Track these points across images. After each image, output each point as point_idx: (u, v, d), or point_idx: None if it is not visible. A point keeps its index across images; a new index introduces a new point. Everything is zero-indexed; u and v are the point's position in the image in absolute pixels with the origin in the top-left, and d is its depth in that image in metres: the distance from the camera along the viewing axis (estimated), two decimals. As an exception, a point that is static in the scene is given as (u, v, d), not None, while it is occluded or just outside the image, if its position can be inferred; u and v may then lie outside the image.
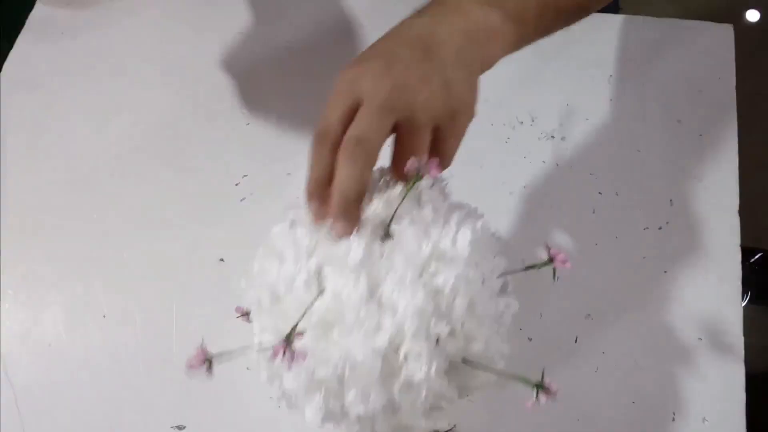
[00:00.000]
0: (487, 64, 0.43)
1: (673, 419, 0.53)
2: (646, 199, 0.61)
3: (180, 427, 0.54)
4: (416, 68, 0.40)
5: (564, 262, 0.40)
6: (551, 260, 0.40)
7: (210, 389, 0.55)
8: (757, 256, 0.60)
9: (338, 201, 0.39)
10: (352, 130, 0.39)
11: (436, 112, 0.40)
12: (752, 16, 1.61)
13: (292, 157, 0.64)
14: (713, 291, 0.57)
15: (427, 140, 0.40)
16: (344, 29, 0.71)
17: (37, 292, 0.59)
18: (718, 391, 0.54)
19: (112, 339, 0.57)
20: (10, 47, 0.71)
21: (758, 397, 0.56)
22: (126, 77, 0.69)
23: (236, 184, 0.63)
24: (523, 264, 0.41)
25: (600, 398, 0.54)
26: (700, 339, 0.56)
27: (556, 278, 0.41)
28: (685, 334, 0.56)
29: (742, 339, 0.56)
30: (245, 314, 0.44)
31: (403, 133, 0.40)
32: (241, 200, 0.62)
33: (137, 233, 0.61)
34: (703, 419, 0.53)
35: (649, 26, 0.70)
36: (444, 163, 0.42)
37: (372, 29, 0.71)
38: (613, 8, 0.78)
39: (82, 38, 0.71)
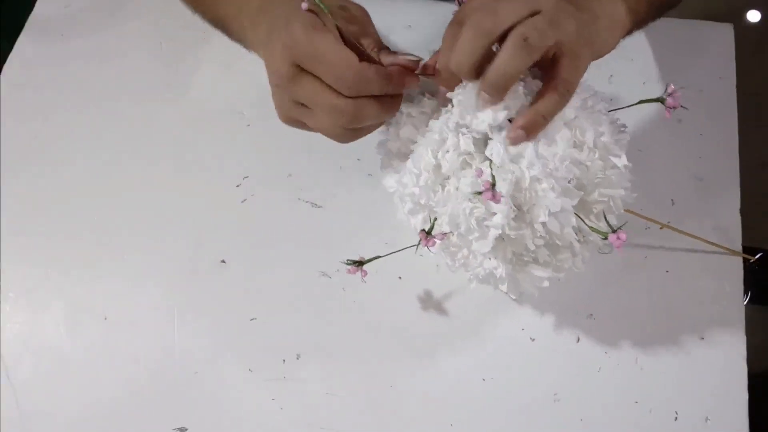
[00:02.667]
0: (604, 51, 0.48)
1: (676, 419, 0.53)
2: (648, 198, 0.61)
3: (182, 429, 0.54)
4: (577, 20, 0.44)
5: (675, 105, 0.46)
6: (664, 98, 0.46)
7: (212, 391, 0.55)
8: (757, 256, 0.60)
9: (496, 77, 0.42)
10: (531, 27, 0.41)
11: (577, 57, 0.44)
12: (753, 16, 1.61)
13: (293, 158, 0.64)
14: (715, 291, 0.58)
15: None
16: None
17: (38, 294, 0.59)
18: (721, 391, 0.54)
19: (113, 341, 0.57)
20: (11, 48, 0.71)
21: (759, 397, 0.56)
22: (126, 78, 0.69)
23: (237, 186, 0.63)
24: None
25: (602, 398, 0.54)
26: (702, 339, 0.56)
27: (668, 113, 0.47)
28: (687, 333, 0.56)
29: (744, 339, 0.56)
30: None
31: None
32: (242, 202, 0.62)
33: (138, 235, 0.61)
34: (706, 419, 0.53)
35: (650, 26, 0.70)
36: (573, 79, 0.44)
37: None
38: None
39: (82, 39, 0.71)
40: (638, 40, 0.69)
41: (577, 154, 0.45)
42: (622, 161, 0.46)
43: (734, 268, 0.58)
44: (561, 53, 0.43)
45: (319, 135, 0.50)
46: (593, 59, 0.46)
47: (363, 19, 0.48)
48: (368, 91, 0.45)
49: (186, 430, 0.54)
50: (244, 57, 0.69)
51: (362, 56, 0.45)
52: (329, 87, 0.45)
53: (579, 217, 0.45)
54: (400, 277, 0.59)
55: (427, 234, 0.46)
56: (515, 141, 0.43)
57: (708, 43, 0.68)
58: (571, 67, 0.43)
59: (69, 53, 0.70)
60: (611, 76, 0.67)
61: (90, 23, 0.72)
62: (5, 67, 0.69)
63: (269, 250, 0.60)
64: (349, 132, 0.47)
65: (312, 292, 0.58)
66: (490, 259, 0.47)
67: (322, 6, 0.44)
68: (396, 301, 0.58)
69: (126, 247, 0.61)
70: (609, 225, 0.43)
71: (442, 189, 0.46)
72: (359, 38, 0.47)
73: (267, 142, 0.65)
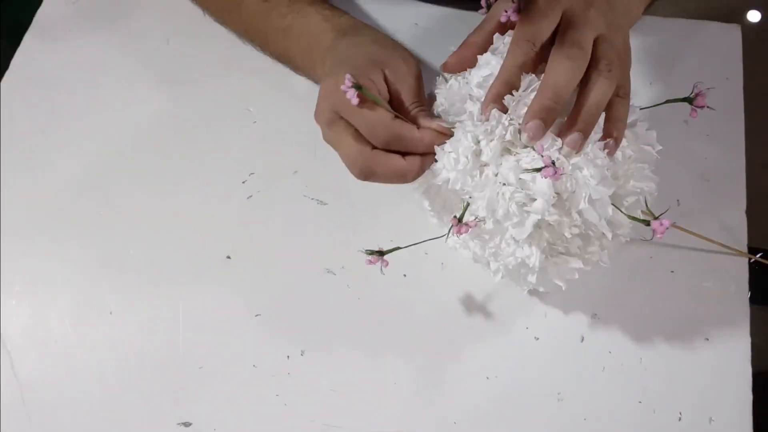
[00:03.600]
0: (633, 22, 0.53)
1: (680, 419, 0.53)
2: (653, 199, 0.61)
3: (186, 424, 0.54)
4: (605, 6, 0.47)
5: (703, 105, 0.48)
6: (693, 98, 0.48)
7: (216, 386, 0.55)
8: (758, 255, 0.60)
9: (551, 96, 0.43)
10: (573, 34, 0.44)
11: (619, 46, 0.47)
12: (753, 16, 1.60)
13: (299, 155, 0.64)
14: (720, 291, 0.57)
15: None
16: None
17: (43, 289, 0.59)
18: (725, 392, 0.54)
19: (118, 335, 0.57)
20: (11, 48, 0.71)
21: (762, 397, 0.56)
22: (132, 75, 0.69)
23: (243, 182, 0.63)
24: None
25: (606, 397, 0.54)
26: (707, 339, 0.56)
27: (692, 114, 0.49)
28: (691, 334, 0.56)
29: (749, 339, 0.56)
30: None
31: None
32: (248, 198, 0.62)
33: (144, 230, 0.61)
34: (710, 419, 0.53)
35: (656, 26, 0.70)
36: (628, 85, 0.48)
37: (380, 28, 0.71)
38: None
39: (89, 35, 0.71)
40: (644, 40, 0.69)
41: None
42: (656, 148, 0.48)
43: (739, 269, 0.58)
44: None
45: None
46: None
47: (408, 75, 0.51)
48: (398, 146, 0.48)
49: (190, 424, 0.54)
50: (251, 54, 0.70)
51: (402, 114, 0.49)
52: (354, 138, 0.48)
53: (615, 207, 0.46)
54: (404, 275, 0.59)
55: (459, 221, 0.46)
56: (571, 151, 0.44)
57: (715, 43, 0.68)
58: (624, 69, 0.47)
59: (76, 49, 0.70)
60: (618, 75, 0.67)
61: (97, 19, 0.72)
62: (12, 62, 0.70)
63: (274, 246, 0.60)
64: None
65: (317, 288, 0.59)
66: (522, 247, 0.47)
67: (367, 94, 0.47)
68: (400, 299, 0.58)
69: (131, 241, 0.61)
70: (650, 212, 0.44)
71: (480, 174, 0.46)
72: (400, 95, 0.50)
73: (273, 139, 0.65)
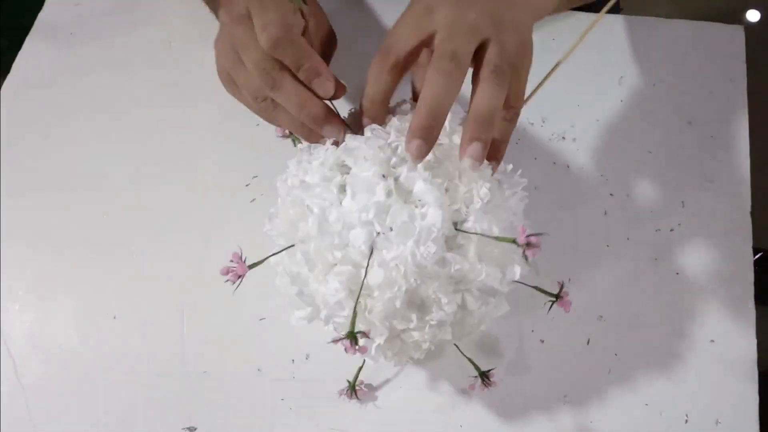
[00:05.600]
0: (540, 15, 0.47)
1: (686, 421, 0.53)
2: (658, 200, 0.61)
3: (191, 429, 0.54)
4: (491, 5, 0.42)
5: (568, 304, 0.46)
6: (558, 296, 0.46)
7: (221, 391, 0.55)
8: (756, 256, 0.60)
9: (426, 115, 0.39)
10: (446, 45, 0.40)
11: (511, 49, 0.42)
12: (752, 16, 1.61)
13: (303, 157, 0.64)
14: (725, 293, 0.57)
15: (508, 75, 0.41)
16: (354, 30, 0.71)
17: (47, 293, 0.59)
18: (731, 393, 0.54)
19: (122, 340, 0.57)
20: (11, 47, 0.71)
21: (767, 398, 0.56)
22: (135, 78, 0.69)
23: (246, 185, 0.63)
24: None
25: (612, 400, 0.54)
26: (713, 341, 0.56)
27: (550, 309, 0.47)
28: (697, 335, 0.56)
29: (754, 341, 0.56)
30: None
31: (480, 66, 0.41)
32: (252, 201, 0.62)
33: (147, 234, 0.61)
34: (716, 421, 0.53)
35: (661, 28, 0.70)
36: (519, 103, 0.43)
37: (383, 30, 0.71)
38: (613, 8, 0.78)
39: (91, 39, 0.71)
40: (647, 41, 0.69)
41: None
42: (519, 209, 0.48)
43: (744, 270, 0.58)
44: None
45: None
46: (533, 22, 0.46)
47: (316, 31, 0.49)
48: (284, 53, 0.44)
49: (195, 429, 0.54)
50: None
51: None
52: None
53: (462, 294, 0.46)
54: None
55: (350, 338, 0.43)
56: (475, 162, 0.41)
57: (719, 44, 0.68)
58: (516, 78, 0.43)
59: (78, 52, 0.70)
60: (621, 77, 0.67)
61: (99, 21, 0.72)
62: (14, 64, 0.69)
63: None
64: (268, 105, 0.47)
65: (321, 292, 0.58)
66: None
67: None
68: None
69: (135, 245, 0.61)
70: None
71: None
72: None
73: (276, 142, 0.65)
